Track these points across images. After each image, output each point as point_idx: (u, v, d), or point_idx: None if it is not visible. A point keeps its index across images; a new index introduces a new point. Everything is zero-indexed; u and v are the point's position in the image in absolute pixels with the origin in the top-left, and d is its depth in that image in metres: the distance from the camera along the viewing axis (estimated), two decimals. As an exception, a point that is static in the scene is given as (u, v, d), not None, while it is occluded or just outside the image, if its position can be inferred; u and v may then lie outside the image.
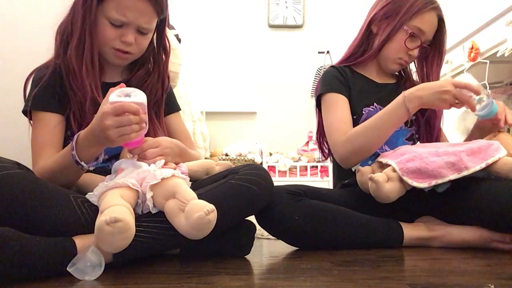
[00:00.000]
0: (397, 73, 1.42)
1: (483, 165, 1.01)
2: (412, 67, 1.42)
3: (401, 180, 1.05)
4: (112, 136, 0.83)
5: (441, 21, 1.28)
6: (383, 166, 1.13)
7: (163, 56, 1.16)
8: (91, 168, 1.04)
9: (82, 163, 0.89)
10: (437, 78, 1.33)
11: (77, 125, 1.02)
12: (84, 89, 1.02)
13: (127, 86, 1.10)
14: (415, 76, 1.43)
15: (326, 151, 1.41)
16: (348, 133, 1.21)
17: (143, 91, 1.11)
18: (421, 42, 1.27)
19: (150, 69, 1.15)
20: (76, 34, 1.02)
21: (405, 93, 1.14)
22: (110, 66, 1.12)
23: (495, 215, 0.98)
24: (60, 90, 1.04)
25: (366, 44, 1.35)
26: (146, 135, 1.04)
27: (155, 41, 1.15)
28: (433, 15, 1.26)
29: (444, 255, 0.99)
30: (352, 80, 1.32)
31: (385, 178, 1.04)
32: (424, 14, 1.24)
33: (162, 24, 1.13)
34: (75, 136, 0.89)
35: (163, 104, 1.18)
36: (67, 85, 1.03)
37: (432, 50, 1.32)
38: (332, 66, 1.38)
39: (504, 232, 1.02)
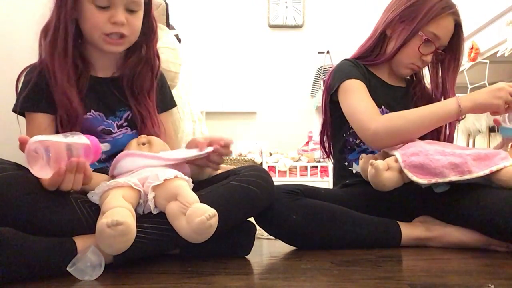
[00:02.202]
0: (408, 77, 1.40)
1: (486, 171, 1.00)
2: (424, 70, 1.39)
3: (401, 172, 1.04)
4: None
5: (458, 26, 1.24)
6: (387, 156, 1.12)
7: (152, 38, 1.12)
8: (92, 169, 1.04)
9: None
10: (454, 84, 1.30)
11: (63, 130, 0.99)
12: (58, 82, 0.98)
13: (120, 77, 1.09)
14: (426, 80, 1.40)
15: (328, 149, 1.41)
16: (387, 114, 1.18)
17: (136, 77, 1.10)
18: (436, 47, 1.23)
19: (142, 55, 1.12)
20: (51, 28, 1.00)
21: (459, 95, 1.11)
22: (101, 60, 1.08)
23: (490, 225, 0.97)
24: (47, 90, 1.02)
25: (379, 47, 1.31)
26: (144, 123, 1.06)
27: (146, 25, 1.11)
28: (450, 20, 1.22)
29: (444, 255, 0.99)
30: (368, 76, 1.30)
31: (385, 166, 1.04)
32: (441, 19, 1.20)
33: (149, 6, 1.10)
34: None
35: (154, 88, 1.13)
36: (50, 86, 1.01)
37: (448, 55, 1.28)
38: (346, 59, 1.34)
39: (502, 240, 1.01)
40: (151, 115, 1.10)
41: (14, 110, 1.04)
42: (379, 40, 1.31)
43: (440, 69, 1.32)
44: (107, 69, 1.10)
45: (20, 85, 1.05)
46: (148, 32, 1.12)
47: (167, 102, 1.21)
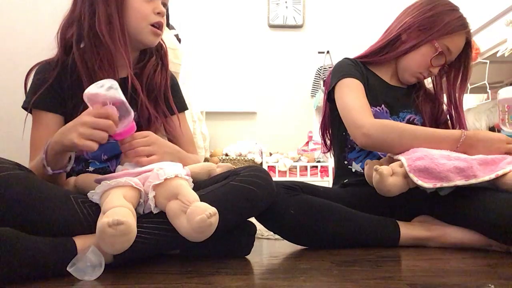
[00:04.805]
0: None
1: (492, 176, 1.00)
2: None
3: (406, 177, 1.04)
4: (78, 143, 0.82)
5: (468, 44, 1.30)
6: (393, 161, 1.12)
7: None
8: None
9: (48, 168, 0.88)
10: (461, 98, 1.33)
11: None
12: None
13: (139, 78, 1.10)
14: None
15: (329, 143, 1.41)
16: (383, 120, 1.20)
17: (155, 79, 1.11)
18: (445, 61, 1.27)
19: (160, 55, 1.15)
20: (88, 33, 1.01)
21: (466, 133, 1.11)
22: (119, 60, 1.08)
23: (495, 229, 0.97)
24: (64, 90, 1.02)
25: (389, 47, 1.33)
26: (150, 122, 1.06)
27: None
28: (463, 38, 1.27)
29: (444, 255, 0.99)
30: (366, 75, 1.31)
31: (389, 171, 1.04)
32: (456, 36, 1.25)
33: None
34: (47, 142, 0.88)
35: (168, 85, 1.15)
36: (74, 86, 1.01)
37: (455, 71, 1.33)
38: (346, 58, 1.35)
39: (502, 243, 1.01)
40: (161, 116, 1.11)
41: (25, 107, 1.04)
42: (391, 41, 1.32)
43: (445, 81, 1.35)
44: (123, 70, 1.09)
45: (30, 82, 1.05)
46: None
47: (182, 103, 1.23)
